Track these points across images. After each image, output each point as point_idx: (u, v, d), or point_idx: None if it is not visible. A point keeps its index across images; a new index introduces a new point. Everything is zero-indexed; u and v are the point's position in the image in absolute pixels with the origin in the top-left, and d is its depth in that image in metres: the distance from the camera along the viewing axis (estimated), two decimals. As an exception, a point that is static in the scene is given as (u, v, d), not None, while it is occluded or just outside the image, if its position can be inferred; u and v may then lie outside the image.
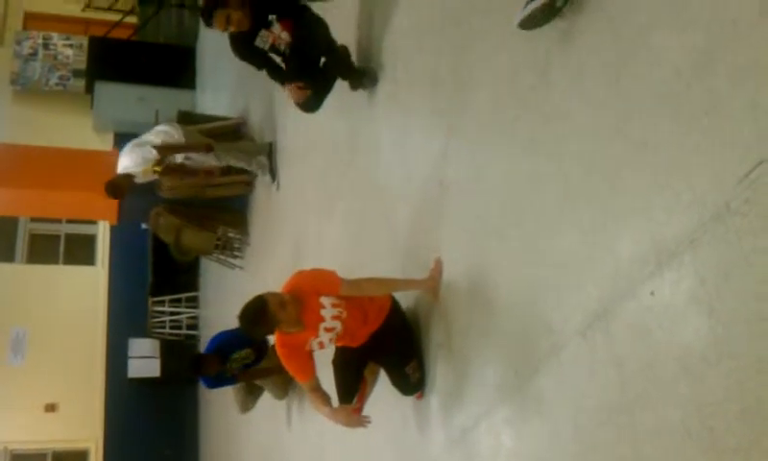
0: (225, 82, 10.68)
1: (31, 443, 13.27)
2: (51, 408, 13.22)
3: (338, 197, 5.39)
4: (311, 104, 5.12)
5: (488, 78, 3.24)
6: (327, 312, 3.59)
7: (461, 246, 3.44)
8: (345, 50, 4.88)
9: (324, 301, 3.58)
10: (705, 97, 1.96)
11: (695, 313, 1.97)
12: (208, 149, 7.19)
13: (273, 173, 7.45)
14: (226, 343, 6.38)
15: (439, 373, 3.60)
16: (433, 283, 3.61)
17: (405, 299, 3.92)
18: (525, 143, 2.89)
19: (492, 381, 3.06)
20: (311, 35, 4.81)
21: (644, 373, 2.17)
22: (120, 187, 7.16)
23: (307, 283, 3.65)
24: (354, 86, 4.95)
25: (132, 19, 16.13)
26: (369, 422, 3.75)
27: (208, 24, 4.84)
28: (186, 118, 9.68)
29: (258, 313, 3.54)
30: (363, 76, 4.88)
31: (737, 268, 1.83)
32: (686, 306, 2.01)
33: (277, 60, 4.98)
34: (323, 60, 4.92)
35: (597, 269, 2.39)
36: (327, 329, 3.62)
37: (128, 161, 7.14)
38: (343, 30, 4.99)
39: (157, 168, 7.17)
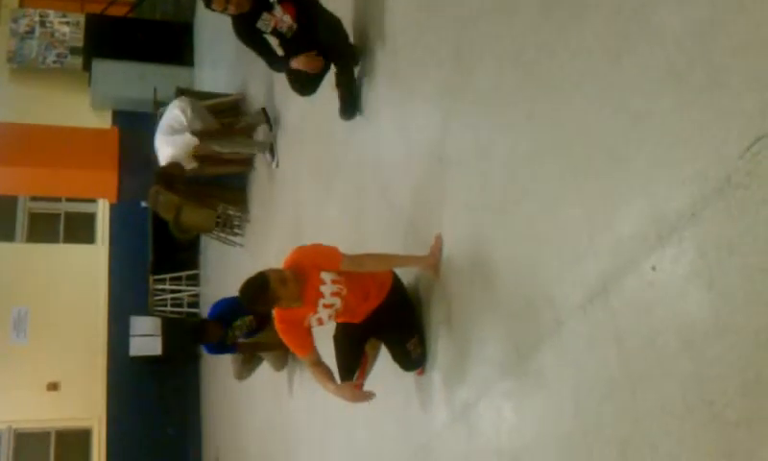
0: (223, 58, 10.62)
1: (34, 422, 13.33)
2: (53, 387, 13.28)
3: (338, 174, 5.37)
4: (309, 85, 5.12)
5: (488, 53, 3.22)
6: (327, 288, 3.59)
7: (461, 222, 3.43)
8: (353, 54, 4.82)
9: (325, 276, 3.58)
10: (706, 71, 1.94)
11: (696, 287, 1.97)
12: (248, 131, 7.18)
13: (273, 152, 7.44)
14: (228, 310, 6.39)
15: (440, 349, 3.61)
16: (434, 260, 3.61)
17: (406, 275, 3.92)
18: (526, 119, 2.87)
19: (493, 357, 3.06)
20: (315, 19, 4.78)
21: (645, 348, 2.17)
22: (175, 176, 7.19)
23: (308, 258, 3.65)
24: (343, 96, 4.94)
25: (130, -4, 16.01)
26: (373, 396, 3.76)
27: (207, 5, 4.81)
28: (184, 95, 9.64)
29: (259, 289, 3.54)
30: (351, 96, 4.89)
31: (739, 241, 1.83)
32: (687, 281, 2.00)
33: (276, 47, 4.96)
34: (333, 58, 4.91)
35: (598, 244, 2.39)
36: (326, 306, 3.62)
37: (171, 150, 7.18)
38: (342, 7, 4.95)
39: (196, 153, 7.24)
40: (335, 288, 3.60)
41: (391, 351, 3.86)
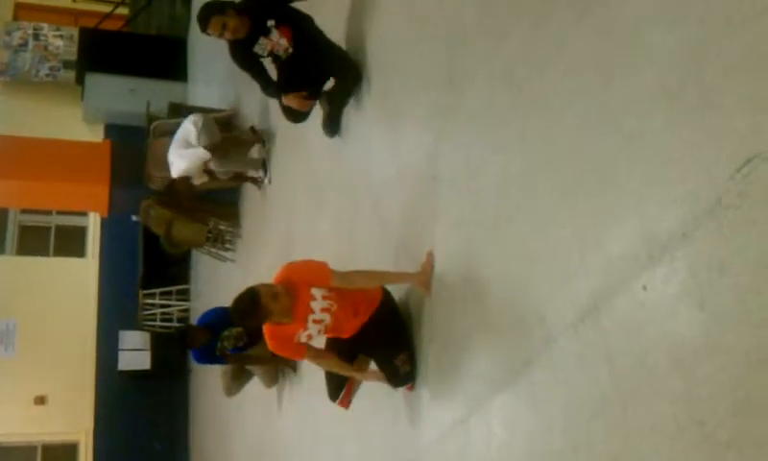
0: (216, 73, 10.64)
1: (20, 435, 13.23)
2: (40, 401, 13.19)
3: (329, 190, 5.38)
4: (301, 114, 5.18)
5: (480, 73, 3.24)
6: (317, 304, 3.59)
7: (453, 239, 3.44)
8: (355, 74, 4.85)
9: (315, 292, 3.58)
10: (698, 91, 1.96)
11: (687, 307, 1.98)
12: (257, 141, 7.20)
13: (266, 168, 7.46)
14: (217, 319, 6.36)
15: (431, 365, 3.60)
16: (425, 277, 3.61)
17: (397, 291, 3.92)
18: (518, 138, 2.89)
19: (483, 374, 3.06)
20: (313, 41, 4.82)
21: (635, 367, 2.17)
22: (181, 192, 7.24)
23: (298, 275, 3.65)
24: (330, 114, 4.98)
25: (124, 10, 16.05)
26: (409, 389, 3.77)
27: (204, 30, 4.84)
28: (177, 110, 9.66)
29: (250, 304, 3.53)
30: (339, 113, 4.95)
31: (730, 262, 1.84)
32: (678, 301, 2.01)
33: (272, 70, 5.00)
34: (329, 81, 4.95)
35: (589, 263, 2.40)
36: (316, 321, 3.62)
37: (183, 164, 7.20)
38: (334, 26, 4.98)
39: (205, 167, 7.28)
40: (325, 304, 3.60)
41: (379, 368, 3.85)
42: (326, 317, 3.62)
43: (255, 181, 7.53)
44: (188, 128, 7.38)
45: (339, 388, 3.97)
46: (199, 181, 7.38)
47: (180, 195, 7.28)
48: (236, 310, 3.60)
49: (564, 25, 2.62)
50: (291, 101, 5.03)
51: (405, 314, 3.87)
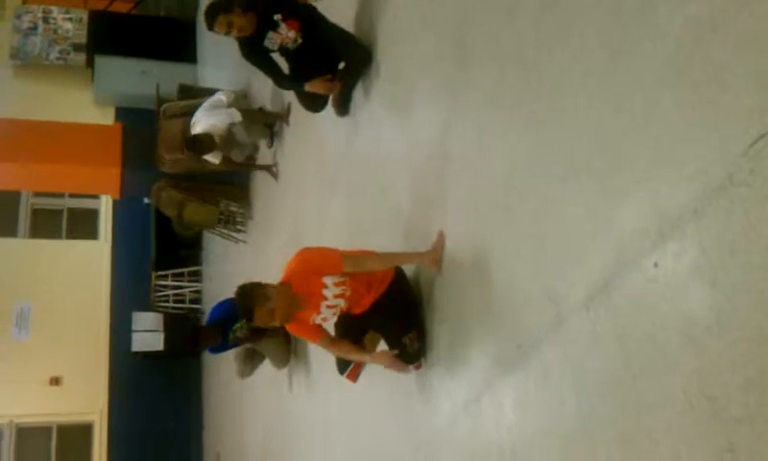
0: (226, 55, 10.63)
1: (36, 416, 13.37)
2: (55, 382, 13.33)
3: (340, 171, 5.38)
4: (320, 103, 5.19)
5: (491, 51, 3.23)
6: (330, 291, 3.61)
7: (464, 219, 3.44)
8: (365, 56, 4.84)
9: (327, 281, 3.60)
10: (707, 68, 1.95)
11: (698, 284, 1.97)
12: (284, 117, 7.17)
13: (272, 138, 7.50)
14: (227, 313, 6.40)
15: (442, 345, 3.62)
16: (436, 256, 3.62)
17: (408, 270, 3.93)
18: (528, 116, 2.88)
19: (494, 353, 3.07)
20: (321, 30, 4.81)
21: (647, 344, 2.17)
22: (205, 144, 7.16)
23: (309, 265, 3.66)
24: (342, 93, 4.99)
25: (133, -8, 16.02)
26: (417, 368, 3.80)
27: (210, 28, 4.85)
28: (187, 92, 9.67)
29: (247, 308, 3.62)
30: (350, 94, 4.97)
31: (741, 238, 1.83)
32: (690, 278, 2.01)
33: (281, 63, 5.01)
34: (341, 63, 4.94)
35: (600, 241, 2.40)
36: (330, 306, 3.65)
37: (212, 120, 7.18)
38: (343, 7, 4.97)
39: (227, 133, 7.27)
40: (338, 291, 3.62)
41: (388, 345, 3.87)
42: (341, 302, 3.65)
43: (270, 169, 7.53)
44: (219, 97, 7.44)
45: (347, 362, 4.00)
46: (215, 160, 7.37)
47: (203, 147, 7.15)
48: (242, 310, 3.68)
49: (573, 2, 2.60)
50: (317, 86, 5.03)
51: (416, 293, 3.89)
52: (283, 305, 3.57)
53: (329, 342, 3.87)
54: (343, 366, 4.07)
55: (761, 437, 1.77)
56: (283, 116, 7.13)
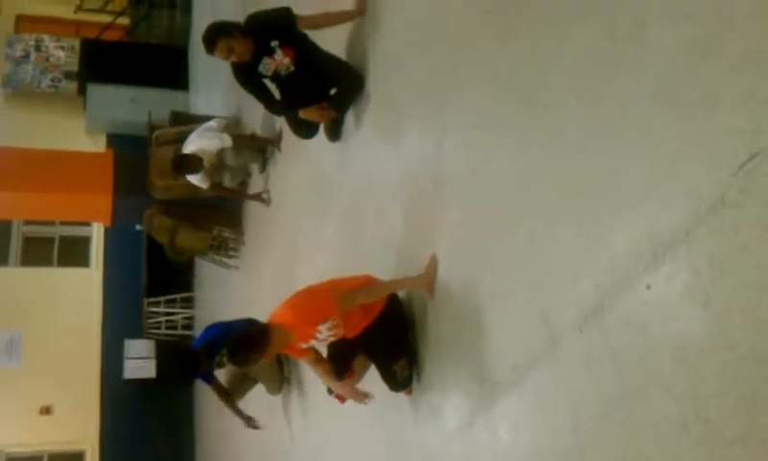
0: (218, 82, 10.68)
1: (26, 446, 13.26)
2: (46, 411, 13.23)
3: (333, 195, 5.39)
4: (313, 129, 5.22)
5: (483, 73, 3.25)
6: (323, 334, 3.61)
7: (457, 241, 3.44)
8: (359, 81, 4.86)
9: (321, 327, 3.58)
10: (700, 88, 1.96)
11: (691, 305, 1.98)
12: (276, 143, 7.20)
13: (264, 163, 7.53)
14: (215, 337, 6.34)
15: (435, 368, 3.61)
16: (428, 280, 3.62)
17: (400, 293, 3.92)
18: (521, 138, 2.89)
19: (489, 376, 3.06)
20: (314, 59, 4.84)
21: (640, 366, 2.17)
22: (191, 163, 7.20)
23: (304, 318, 3.58)
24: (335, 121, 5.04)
25: (124, 21, 16.11)
26: (372, 397, 3.82)
27: (210, 52, 4.87)
28: (179, 119, 9.69)
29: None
30: (342, 120, 5.02)
31: (733, 259, 1.84)
32: (682, 299, 2.01)
33: (274, 90, 5.05)
34: (333, 90, 4.97)
35: (593, 263, 2.40)
36: (322, 341, 3.67)
37: (203, 142, 7.24)
38: (339, 31, 4.99)
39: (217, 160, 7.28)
40: (332, 332, 3.62)
41: (379, 370, 3.87)
42: (332, 338, 3.67)
43: (260, 197, 7.53)
44: (211, 123, 7.55)
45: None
46: (204, 185, 7.38)
47: (190, 166, 7.19)
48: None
49: (567, 22, 2.62)
50: (311, 114, 5.05)
51: (409, 315, 3.88)
52: (278, 347, 3.58)
53: (314, 360, 3.85)
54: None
55: (755, 457, 1.77)
56: (275, 142, 7.13)
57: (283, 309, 3.67)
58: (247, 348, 3.54)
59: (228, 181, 7.78)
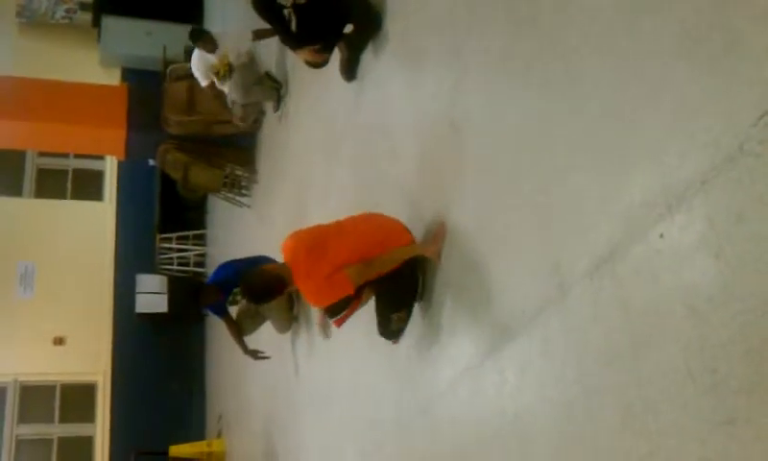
0: (233, 17, 10.56)
1: (39, 375, 13.48)
2: (59, 341, 13.41)
3: (346, 136, 5.36)
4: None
5: (502, 15, 3.20)
6: None
7: (471, 186, 3.43)
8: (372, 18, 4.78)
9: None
10: (724, 37, 1.93)
11: (703, 256, 1.97)
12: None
13: (278, 102, 7.48)
14: (229, 277, 6.38)
15: (445, 310, 3.62)
16: (435, 247, 3.62)
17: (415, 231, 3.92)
18: (539, 83, 2.86)
19: (498, 320, 3.08)
20: None
21: (650, 315, 2.17)
22: (208, 40, 7.40)
23: (314, 292, 3.73)
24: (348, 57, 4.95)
25: (140, -48, 15.87)
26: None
27: None
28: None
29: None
30: (357, 58, 4.92)
31: (748, 209, 1.83)
32: (695, 249, 2.00)
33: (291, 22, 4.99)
34: (349, 26, 4.90)
35: (606, 211, 2.39)
36: None
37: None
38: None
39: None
40: None
41: (377, 309, 3.93)
42: None
43: (278, 93, 7.55)
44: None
45: (340, 309, 4.00)
46: (204, 82, 7.44)
47: (207, 40, 7.28)
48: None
49: (586, -32, 2.57)
50: (304, 55, 5.02)
51: (421, 259, 3.86)
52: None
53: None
54: (334, 311, 4.06)
55: (760, 409, 1.77)
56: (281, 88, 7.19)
57: (301, 270, 3.72)
58: (263, 286, 3.59)
59: (240, 98, 7.69)
